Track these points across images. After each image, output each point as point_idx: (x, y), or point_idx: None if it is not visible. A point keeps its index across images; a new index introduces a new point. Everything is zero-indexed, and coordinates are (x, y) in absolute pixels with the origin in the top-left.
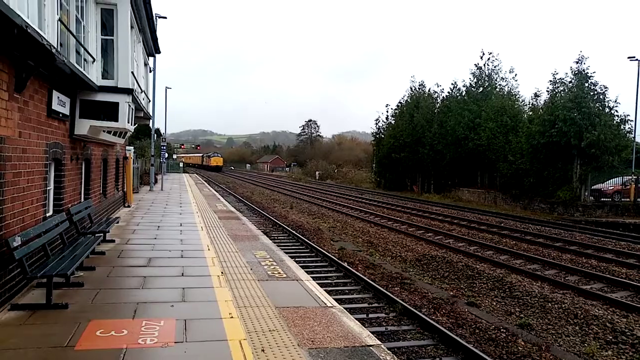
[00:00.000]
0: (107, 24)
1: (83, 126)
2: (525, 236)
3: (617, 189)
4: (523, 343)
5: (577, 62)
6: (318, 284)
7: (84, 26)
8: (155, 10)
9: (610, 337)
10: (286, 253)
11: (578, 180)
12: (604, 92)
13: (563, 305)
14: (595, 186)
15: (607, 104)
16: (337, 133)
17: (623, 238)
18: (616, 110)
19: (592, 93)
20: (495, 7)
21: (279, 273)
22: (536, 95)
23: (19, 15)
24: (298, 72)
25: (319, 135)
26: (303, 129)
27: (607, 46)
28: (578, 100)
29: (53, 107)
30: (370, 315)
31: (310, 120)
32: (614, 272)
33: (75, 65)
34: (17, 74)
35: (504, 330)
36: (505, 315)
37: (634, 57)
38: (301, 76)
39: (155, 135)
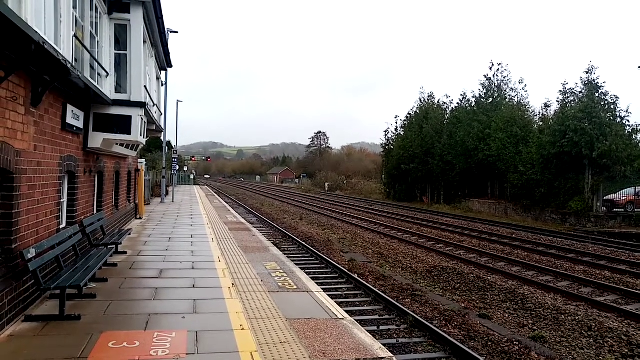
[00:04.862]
0: (121, 39)
1: (96, 139)
2: (537, 247)
3: (629, 199)
4: (536, 356)
5: (587, 72)
6: (329, 295)
7: (98, 41)
8: (167, 25)
9: (626, 351)
10: (296, 264)
11: (590, 191)
12: (614, 102)
13: (577, 318)
14: (607, 197)
15: (618, 113)
16: (346, 144)
17: (637, 249)
18: (628, 120)
19: (602, 103)
20: (505, 18)
21: (290, 284)
22: (546, 106)
23: (36, 32)
24: (307, 86)
25: (328, 146)
26: (312, 140)
27: (617, 56)
28: (589, 111)
29: (67, 121)
30: (382, 327)
31: (319, 132)
32: (629, 283)
33: (90, 79)
34: (33, 89)
35: (517, 343)
36: (518, 327)
37: None
38: (310, 90)
39: (167, 147)
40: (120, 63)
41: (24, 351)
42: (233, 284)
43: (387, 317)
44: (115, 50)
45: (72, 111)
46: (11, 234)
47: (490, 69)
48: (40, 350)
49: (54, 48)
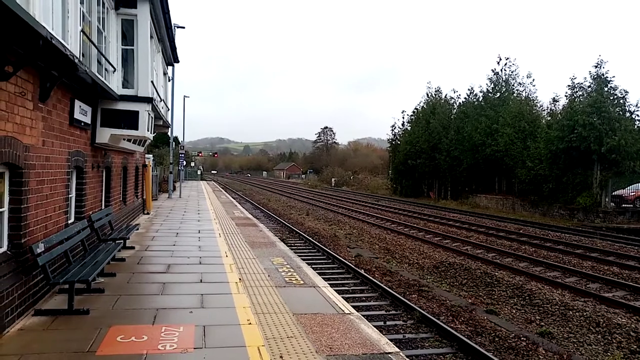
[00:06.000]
0: (128, 34)
1: (104, 135)
2: (545, 243)
3: (638, 195)
4: (544, 352)
5: (596, 67)
6: (335, 290)
7: (105, 36)
8: (174, 20)
9: (635, 347)
10: (303, 260)
11: (598, 186)
12: (624, 97)
13: (584, 313)
14: (616, 192)
15: (627, 108)
16: (353, 140)
17: None
18: (637, 115)
19: (611, 97)
20: (513, 12)
21: (297, 280)
22: (554, 100)
23: (44, 27)
24: (313, 82)
25: (334, 142)
26: (319, 136)
27: (627, 50)
28: (597, 105)
29: (75, 116)
30: (388, 323)
31: (326, 127)
32: (637, 279)
33: (97, 74)
34: (41, 84)
35: (524, 339)
36: (525, 323)
37: None
38: (316, 86)
39: (174, 143)
40: (127, 58)
41: (34, 345)
42: (240, 279)
43: (393, 312)
44: (122, 45)
45: (80, 106)
46: (20, 228)
47: (498, 63)
48: (50, 344)
49: (61, 43)
